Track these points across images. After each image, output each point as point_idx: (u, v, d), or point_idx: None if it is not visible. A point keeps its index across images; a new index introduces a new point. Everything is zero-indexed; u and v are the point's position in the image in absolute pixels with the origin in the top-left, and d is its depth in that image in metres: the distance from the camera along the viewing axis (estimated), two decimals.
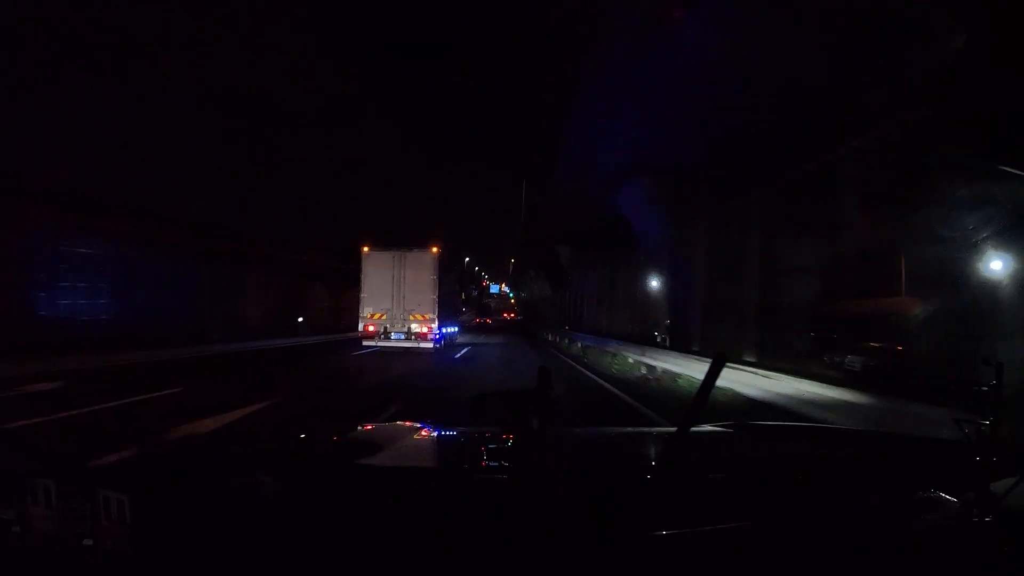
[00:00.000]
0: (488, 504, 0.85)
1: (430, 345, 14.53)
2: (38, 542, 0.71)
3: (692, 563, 0.72)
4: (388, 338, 14.79)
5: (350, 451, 1.32)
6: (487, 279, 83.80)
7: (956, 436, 0.99)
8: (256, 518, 0.79)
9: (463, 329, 31.77)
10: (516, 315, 59.42)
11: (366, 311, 14.91)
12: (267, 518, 0.79)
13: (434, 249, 14.71)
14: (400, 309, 14.69)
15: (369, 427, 1.96)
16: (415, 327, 14.61)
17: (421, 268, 14.67)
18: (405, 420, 2.86)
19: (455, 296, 19.30)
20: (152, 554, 0.70)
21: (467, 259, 45.68)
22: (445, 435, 1.66)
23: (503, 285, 77.27)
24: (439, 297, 14.81)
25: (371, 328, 14.86)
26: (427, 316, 14.54)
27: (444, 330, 16.42)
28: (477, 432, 1.55)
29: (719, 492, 0.94)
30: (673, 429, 0.99)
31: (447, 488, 0.97)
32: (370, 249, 15.09)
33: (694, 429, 1.21)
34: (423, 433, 1.63)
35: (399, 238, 15.37)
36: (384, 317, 14.76)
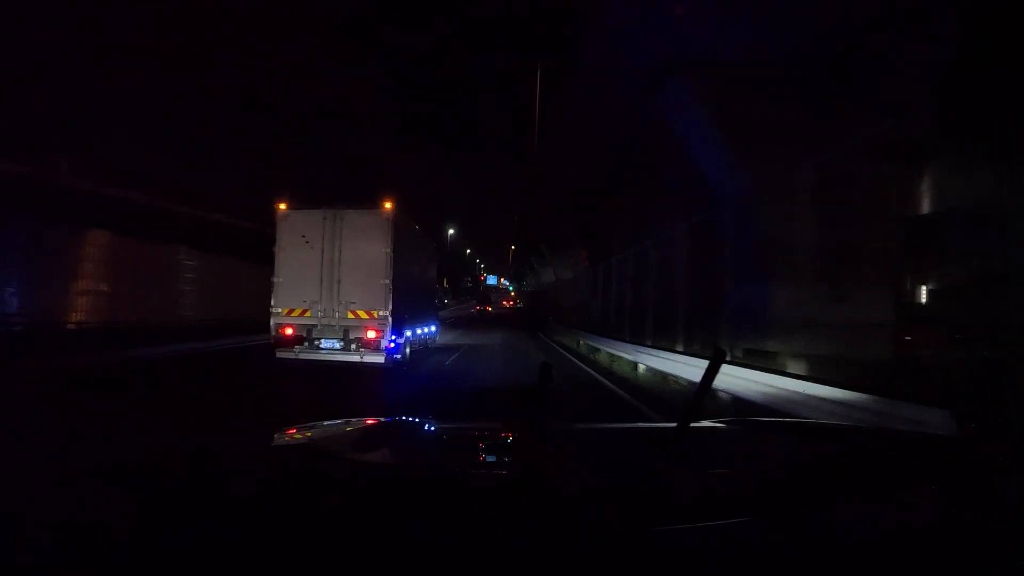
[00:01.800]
0: (488, 503, 0.82)
1: (380, 358, 9.04)
2: (39, 540, 0.72)
3: (693, 560, 0.71)
4: (315, 347, 9.32)
5: (348, 448, 1.32)
6: (484, 272, 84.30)
7: (957, 433, 1.20)
8: (253, 517, 0.76)
9: (453, 324, 26.43)
10: (515, 304, 61.27)
11: (281, 305, 9.43)
12: (264, 517, 0.76)
13: (387, 205, 9.18)
14: (333, 301, 9.21)
15: (368, 423, 1.69)
16: (356, 330, 9.12)
17: (366, 237, 9.16)
18: (406, 416, 2.19)
19: (430, 283, 13.70)
20: (151, 554, 0.70)
21: (451, 232, 39.87)
22: (445, 432, 1.64)
23: (501, 279, 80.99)
24: (396, 281, 9.31)
25: (288, 331, 9.38)
26: (375, 313, 9.05)
27: (411, 332, 10.94)
28: (478, 429, 1.54)
29: (720, 488, 0.91)
30: (673, 425, 0.99)
31: (447, 487, 0.89)
32: (289, 207, 9.60)
33: (694, 425, 1.19)
34: (423, 429, 1.60)
35: (334, 191, 9.87)
36: (309, 314, 9.29)
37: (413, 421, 1.70)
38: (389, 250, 9.02)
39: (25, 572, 0.66)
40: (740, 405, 5.15)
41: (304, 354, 9.36)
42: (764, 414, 4.90)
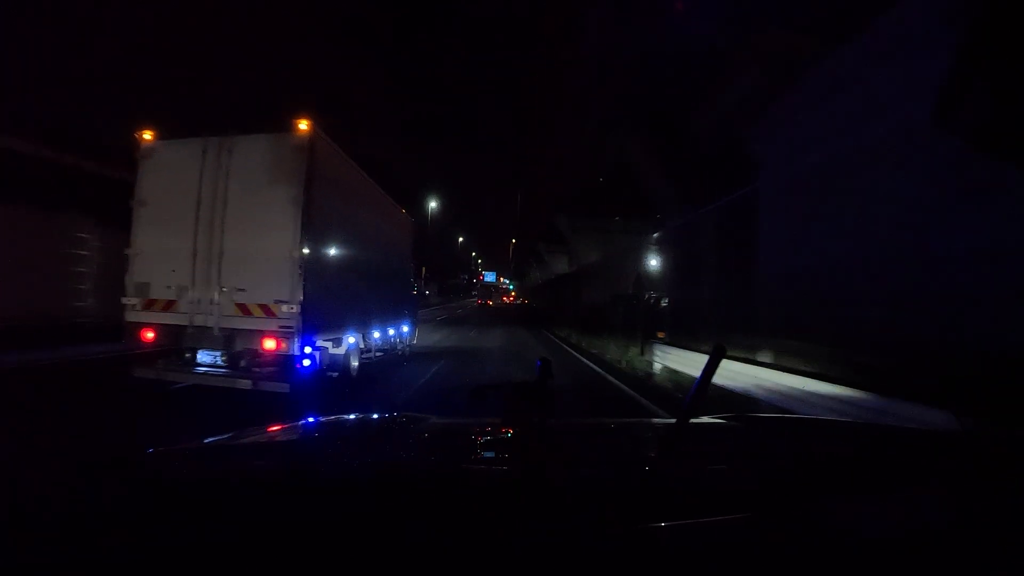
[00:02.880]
0: (488, 502, 0.81)
1: (283, 386, 5.29)
2: (39, 538, 0.71)
3: (693, 557, 0.70)
4: (187, 362, 5.68)
5: (344, 446, 1.29)
6: (482, 270, 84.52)
7: (957, 431, 1.15)
8: (252, 517, 0.75)
9: (442, 323, 22.50)
10: (514, 299, 62.28)
11: (136, 293, 5.78)
12: (263, 517, 0.75)
13: (301, 126, 5.43)
14: (211, 288, 5.52)
15: (364, 419, 1.71)
16: (246, 338, 5.41)
17: (265, 179, 5.45)
18: (403, 412, 1.87)
19: (399, 265, 9.77)
20: (151, 553, 0.69)
21: (432, 204, 35.51)
22: (443, 428, 1.55)
23: (500, 278, 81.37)
24: (317, 253, 5.63)
25: (149, 335, 5.71)
26: (277, 308, 5.32)
27: (357, 337, 7.29)
28: (476, 425, 1.48)
29: (720, 485, 0.92)
30: (673, 420, 0.98)
31: (446, 485, 0.89)
32: (157, 138, 5.92)
33: (694, 421, 1.13)
34: (421, 426, 1.52)
35: (223, 113, 6.30)
36: (178, 307, 5.61)
37: (411, 418, 1.58)
38: (301, 199, 5.29)
39: (26, 570, 0.65)
40: None
41: (170, 374, 5.70)
42: None
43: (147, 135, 5.97)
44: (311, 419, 1.48)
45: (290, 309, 5.20)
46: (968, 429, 0.98)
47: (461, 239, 70.91)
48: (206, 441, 1.19)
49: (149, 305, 5.75)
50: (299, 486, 0.84)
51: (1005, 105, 0.73)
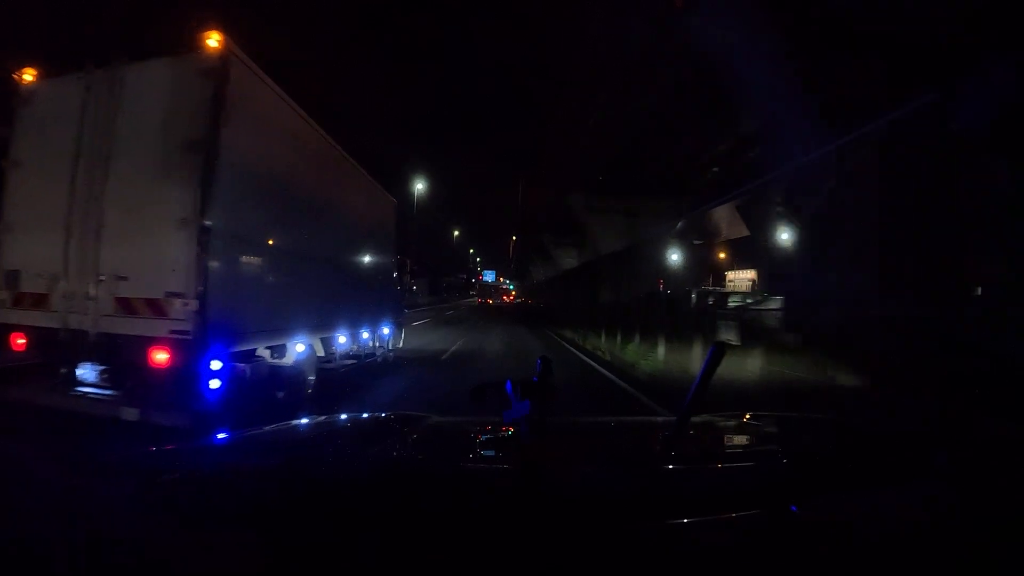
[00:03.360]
0: (487, 501, 0.81)
1: (179, 416, 3.66)
2: (44, 538, 0.69)
3: (694, 554, 0.69)
4: (63, 382, 4.07)
5: (345, 443, 1.30)
6: (481, 269, 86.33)
7: (958, 428, 1.13)
8: (251, 513, 0.75)
9: (434, 324, 20.53)
10: (515, 298, 63.24)
11: (4, 286, 4.21)
12: (261, 514, 0.75)
13: (211, 42, 3.81)
14: (86, 276, 3.91)
15: (364, 418, 1.77)
16: (130, 348, 3.77)
17: (159, 120, 3.82)
18: (402, 410, 2.01)
19: (374, 250, 7.90)
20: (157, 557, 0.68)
21: (419, 186, 33.18)
22: (443, 427, 1.52)
23: (500, 278, 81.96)
24: (230, 217, 4.00)
25: (20, 341, 4.14)
26: (170, 304, 3.68)
27: (308, 343, 5.68)
28: (477, 423, 1.45)
29: (720, 482, 0.92)
30: (674, 418, 0.99)
31: (445, 484, 0.89)
32: (41, 77, 4.35)
33: (695, 419, 1.15)
34: (420, 424, 1.49)
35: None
36: (50, 303, 4.03)
37: (410, 416, 1.56)
38: (204, 143, 3.66)
39: (30, 569, 0.64)
40: None
41: (42, 396, 4.12)
42: None
43: (28, 74, 4.42)
44: (307, 419, 1.39)
45: (185, 305, 3.58)
46: (967, 427, 1.02)
47: (457, 232, 70.46)
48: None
49: (18, 301, 4.20)
50: (299, 485, 0.83)
51: (1009, 101, 0.74)
